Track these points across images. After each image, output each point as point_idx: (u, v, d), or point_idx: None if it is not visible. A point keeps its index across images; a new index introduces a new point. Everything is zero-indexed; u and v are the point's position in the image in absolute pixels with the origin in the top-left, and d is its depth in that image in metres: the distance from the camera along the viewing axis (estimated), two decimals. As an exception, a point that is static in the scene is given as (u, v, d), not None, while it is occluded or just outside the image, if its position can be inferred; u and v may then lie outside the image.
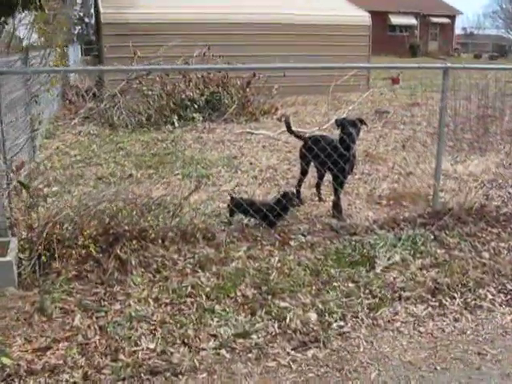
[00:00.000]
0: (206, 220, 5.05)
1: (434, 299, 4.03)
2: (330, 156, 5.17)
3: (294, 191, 5.67)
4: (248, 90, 11.81)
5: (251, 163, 7.69)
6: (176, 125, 10.39)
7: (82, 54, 29.24)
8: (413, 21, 46.51)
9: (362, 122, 5.21)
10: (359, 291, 4.04)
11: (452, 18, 49.79)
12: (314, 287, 4.05)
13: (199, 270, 4.21)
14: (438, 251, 4.73)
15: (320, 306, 3.80)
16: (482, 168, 7.01)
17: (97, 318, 3.61)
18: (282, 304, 3.80)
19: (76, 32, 36.88)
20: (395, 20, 45.30)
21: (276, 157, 8.16)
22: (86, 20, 41.78)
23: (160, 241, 4.45)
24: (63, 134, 9.69)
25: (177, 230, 4.59)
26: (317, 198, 5.95)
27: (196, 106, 10.94)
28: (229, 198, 5.32)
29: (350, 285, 4.13)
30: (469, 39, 61.58)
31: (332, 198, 5.95)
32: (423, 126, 10.45)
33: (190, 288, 3.95)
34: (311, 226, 5.03)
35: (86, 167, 7.28)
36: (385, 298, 3.97)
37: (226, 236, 4.59)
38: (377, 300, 3.95)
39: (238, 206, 5.08)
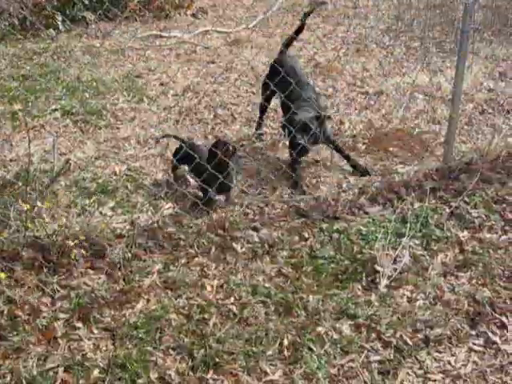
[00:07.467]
0: (92, 220, 2.94)
1: (475, 334, 2.43)
2: None
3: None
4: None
5: (162, 83, 5.57)
6: (61, 29, 7.86)
7: None
8: None
9: None
10: (360, 339, 2.35)
11: None
12: (285, 342, 2.31)
13: (78, 324, 2.33)
14: (461, 235, 3.07)
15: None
16: (470, 81, 5.26)
17: None
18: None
19: None
20: None
21: (195, 70, 6.05)
22: None
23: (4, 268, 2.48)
24: None
25: (36, 244, 2.60)
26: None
27: (87, 2, 8.35)
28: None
29: (344, 327, 2.42)
30: None
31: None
32: (371, 19, 8.56)
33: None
34: (264, 208, 3.17)
35: None
36: (403, 347, 2.32)
37: (123, 248, 2.65)
38: (391, 352, 2.29)
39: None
